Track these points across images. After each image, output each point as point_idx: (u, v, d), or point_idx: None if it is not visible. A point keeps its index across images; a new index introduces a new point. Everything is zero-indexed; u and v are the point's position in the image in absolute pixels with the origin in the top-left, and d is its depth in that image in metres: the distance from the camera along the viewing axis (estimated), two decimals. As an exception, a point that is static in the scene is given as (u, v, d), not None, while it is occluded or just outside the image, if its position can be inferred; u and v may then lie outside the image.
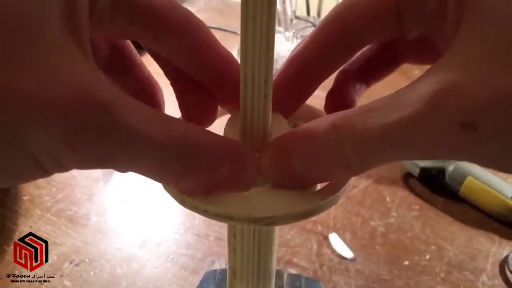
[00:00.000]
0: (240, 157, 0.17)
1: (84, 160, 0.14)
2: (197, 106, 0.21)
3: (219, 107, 0.22)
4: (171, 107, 0.22)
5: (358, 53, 0.21)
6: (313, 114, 0.22)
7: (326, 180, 0.18)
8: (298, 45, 0.20)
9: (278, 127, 0.19)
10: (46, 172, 0.14)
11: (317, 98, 0.22)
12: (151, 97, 0.22)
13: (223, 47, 0.20)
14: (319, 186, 0.19)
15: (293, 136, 0.17)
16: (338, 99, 0.21)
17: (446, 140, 0.14)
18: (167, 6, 0.18)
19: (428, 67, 0.15)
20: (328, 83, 0.22)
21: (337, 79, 0.22)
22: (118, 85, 0.21)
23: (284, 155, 0.17)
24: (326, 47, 0.19)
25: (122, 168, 0.15)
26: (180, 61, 0.20)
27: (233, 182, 0.17)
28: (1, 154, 0.13)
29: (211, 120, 0.21)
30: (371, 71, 0.22)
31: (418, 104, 0.14)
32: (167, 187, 0.18)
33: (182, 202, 0.18)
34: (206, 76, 0.20)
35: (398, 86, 0.16)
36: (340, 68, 0.22)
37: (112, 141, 0.13)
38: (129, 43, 0.21)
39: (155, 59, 0.21)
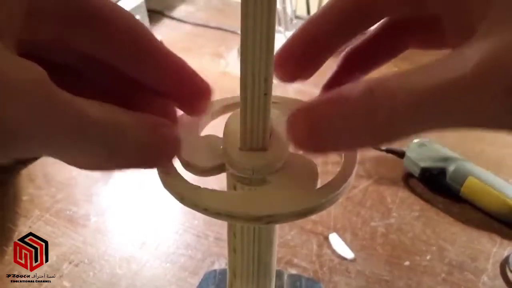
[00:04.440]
0: (147, 130, 0.16)
1: None
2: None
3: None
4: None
5: (360, 40, 0.21)
6: None
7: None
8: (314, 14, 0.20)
9: (278, 126, 0.19)
10: None
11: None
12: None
13: (169, 50, 0.19)
14: (319, 185, 0.19)
15: (323, 100, 0.16)
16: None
17: (488, 105, 0.14)
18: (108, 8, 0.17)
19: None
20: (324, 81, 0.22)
21: (339, 67, 0.21)
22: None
23: (311, 118, 0.16)
24: (341, 18, 0.19)
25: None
26: (125, 66, 0.18)
27: (140, 156, 0.16)
28: None
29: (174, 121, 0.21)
30: (373, 58, 0.21)
31: (465, 68, 0.14)
32: (166, 185, 0.18)
33: (181, 200, 0.18)
34: (158, 81, 0.19)
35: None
36: (342, 56, 0.21)
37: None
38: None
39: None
